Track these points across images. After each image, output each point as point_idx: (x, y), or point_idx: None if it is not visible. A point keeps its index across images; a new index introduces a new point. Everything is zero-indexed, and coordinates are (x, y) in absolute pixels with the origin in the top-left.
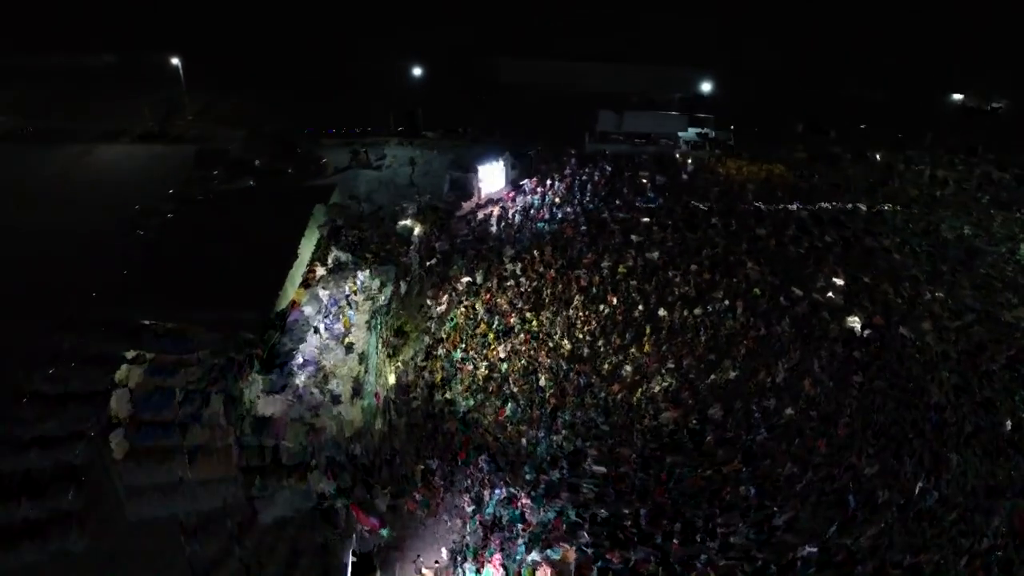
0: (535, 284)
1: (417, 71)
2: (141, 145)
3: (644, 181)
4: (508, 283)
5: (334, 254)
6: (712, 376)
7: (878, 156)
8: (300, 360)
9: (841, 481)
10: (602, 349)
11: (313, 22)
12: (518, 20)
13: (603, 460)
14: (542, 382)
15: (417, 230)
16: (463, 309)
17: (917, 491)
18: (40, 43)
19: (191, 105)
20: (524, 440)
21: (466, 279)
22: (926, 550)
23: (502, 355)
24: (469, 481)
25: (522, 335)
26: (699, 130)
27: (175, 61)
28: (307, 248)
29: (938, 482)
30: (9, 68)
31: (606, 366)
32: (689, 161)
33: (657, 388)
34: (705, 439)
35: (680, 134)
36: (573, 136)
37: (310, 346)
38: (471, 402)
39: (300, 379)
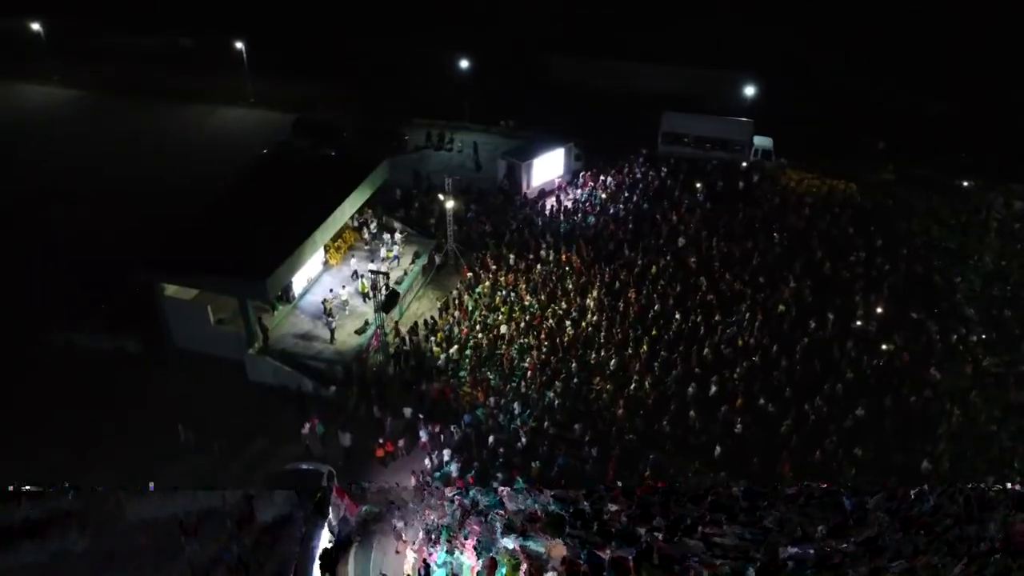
0: (560, 273)
1: (464, 63)
2: (255, 110)
3: (699, 185)
4: (536, 268)
5: (384, 220)
6: (690, 389)
7: (967, 184)
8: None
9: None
10: (602, 340)
11: (371, 14)
12: (571, 17)
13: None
14: (527, 362)
15: (450, 204)
16: (485, 286)
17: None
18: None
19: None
20: (500, 414)
21: (495, 260)
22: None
23: (503, 330)
24: (435, 440)
25: (529, 316)
26: (770, 139)
27: (240, 45)
28: (348, 210)
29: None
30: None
31: (594, 356)
32: (743, 165)
33: (634, 387)
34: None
35: (757, 141)
36: (643, 136)
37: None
38: (463, 364)
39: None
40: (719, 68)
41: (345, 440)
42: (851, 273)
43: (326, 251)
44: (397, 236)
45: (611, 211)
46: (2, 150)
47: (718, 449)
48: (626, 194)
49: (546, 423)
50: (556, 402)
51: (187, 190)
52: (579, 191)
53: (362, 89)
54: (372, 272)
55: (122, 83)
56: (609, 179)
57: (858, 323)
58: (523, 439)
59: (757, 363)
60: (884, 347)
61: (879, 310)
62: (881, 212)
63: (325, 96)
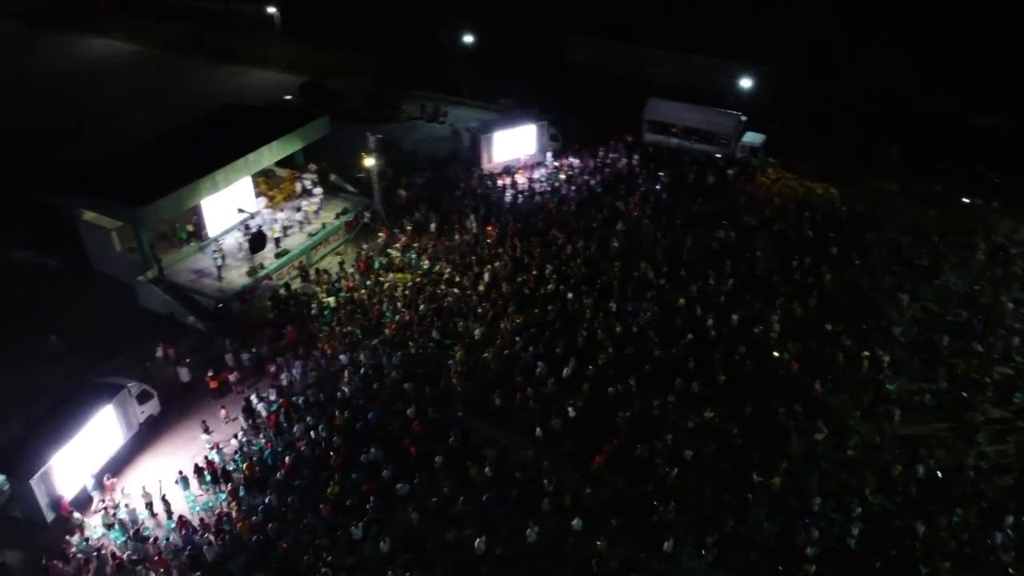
0: (474, 242)
1: (469, 39)
2: (280, 73)
3: (661, 174)
4: (455, 237)
5: (333, 178)
6: (539, 366)
7: (973, 202)
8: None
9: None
10: (477, 311)
11: None
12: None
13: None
14: (395, 316)
15: (370, 163)
16: (396, 247)
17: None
18: None
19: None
20: (341, 357)
21: (418, 225)
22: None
23: (386, 285)
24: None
25: (419, 276)
26: (763, 136)
27: (272, 10)
28: (267, 158)
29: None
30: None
31: (463, 325)
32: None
33: (488, 356)
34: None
35: (747, 137)
36: (637, 123)
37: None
38: (328, 305)
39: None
40: (740, 60)
41: (183, 375)
42: (784, 278)
43: (269, 198)
44: (318, 190)
45: (563, 192)
46: (44, 93)
47: (539, 431)
48: (585, 177)
49: (375, 383)
50: (395, 361)
51: None
52: (543, 170)
53: (380, 59)
54: (239, 211)
55: (174, 41)
56: (576, 161)
57: (758, 328)
58: (344, 389)
59: (630, 353)
60: (775, 354)
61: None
62: (855, 220)
63: (346, 64)
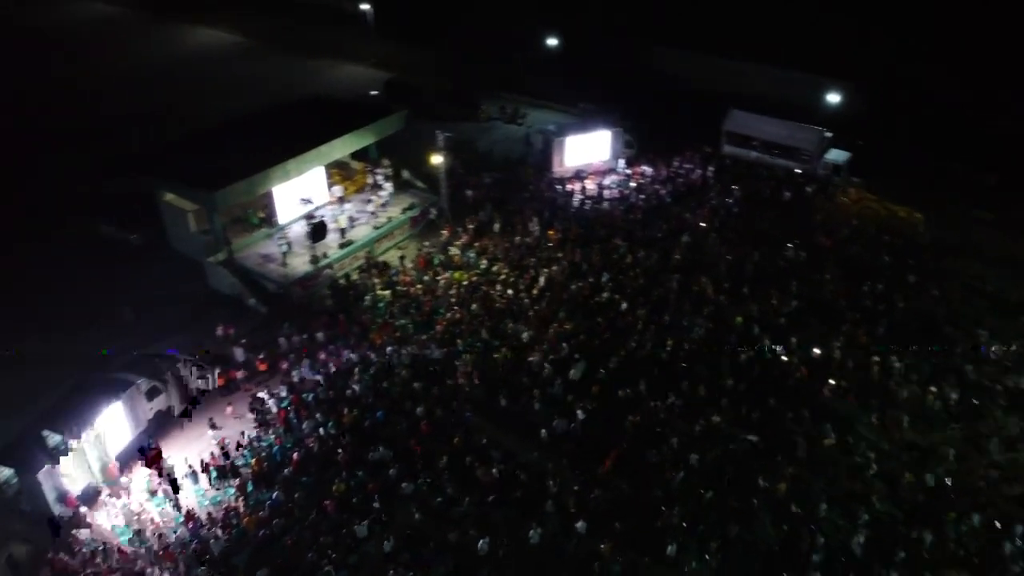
0: (535, 245)
1: (554, 41)
2: (368, 69)
3: (735, 188)
4: (515, 238)
5: (385, 171)
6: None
7: None
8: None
9: None
10: (528, 314)
11: None
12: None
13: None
14: (447, 314)
15: (438, 160)
16: (457, 245)
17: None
18: None
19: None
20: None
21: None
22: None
23: (441, 283)
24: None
25: (475, 276)
26: (847, 154)
27: (366, 7)
28: (338, 150)
29: None
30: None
31: (511, 327)
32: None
33: (534, 359)
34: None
35: (831, 154)
36: (713, 134)
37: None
38: (384, 298)
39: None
40: (828, 75)
41: (239, 355)
42: (852, 303)
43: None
44: (388, 186)
45: (631, 200)
46: (147, 77)
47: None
48: (656, 186)
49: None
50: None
51: None
52: (615, 177)
53: (465, 58)
54: (303, 200)
55: (273, 34)
56: (649, 169)
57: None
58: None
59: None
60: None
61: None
62: (939, 248)
63: (432, 63)
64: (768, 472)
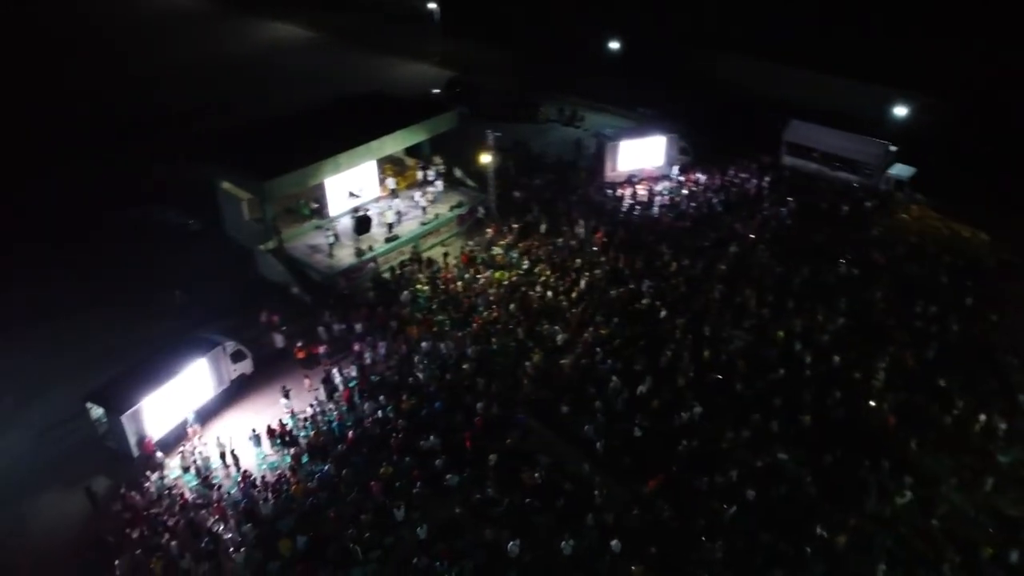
0: (578, 248)
1: (615, 45)
2: (432, 67)
3: (790, 199)
4: (559, 240)
5: (437, 168)
6: (613, 380)
7: None
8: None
9: None
10: (566, 316)
11: None
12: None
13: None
14: (485, 312)
15: (486, 159)
16: (501, 244)
17: None
18: None
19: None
20: (422, 344)
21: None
22: None
23: (481, 281)
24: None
25: (515, 276)
26: (912, 170)
27: (433, 6)
28: (390, 146)
29: None
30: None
31: (546, 326)
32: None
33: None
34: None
35: (895, 169)
36: (773, 143)
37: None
38: (424, 293)
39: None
40: (896, 87)
41: (278, 341)
42: (903, 323)
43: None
44: (438, 183)
45: (682, 207)
46: (220, 68)
47: (600, 444)
48: (709, 194)
49: (448, 374)
50: (471, 354)
51: None
52: (667, 184)
53: (528, 59)
54: (350, 194)
55: (344, 30)
56: (703, 177)
57: (858, 374)
58: (420, 375)
59: (713, 380)
60: (872, 403)
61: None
62: (1000, 271)
63: (496, 62)
64: (829, 520)
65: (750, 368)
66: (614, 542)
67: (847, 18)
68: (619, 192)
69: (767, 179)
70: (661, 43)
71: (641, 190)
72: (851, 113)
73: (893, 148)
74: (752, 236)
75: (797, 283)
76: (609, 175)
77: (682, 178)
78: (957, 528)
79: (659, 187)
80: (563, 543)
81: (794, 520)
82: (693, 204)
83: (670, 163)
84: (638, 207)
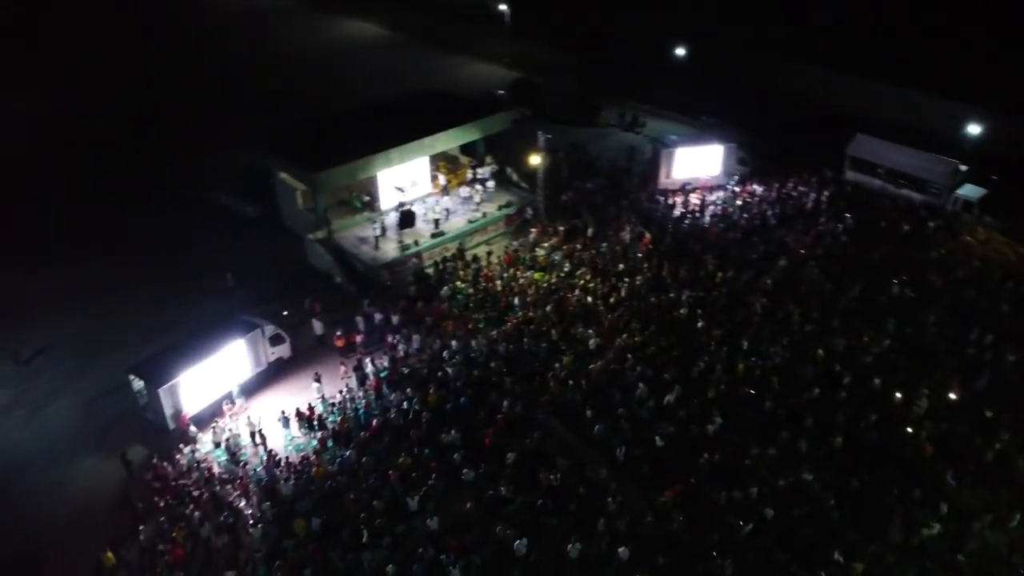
0: (622, 254)
1: (681, 51)
2: (501, 67)
3: (847, 215)
4: (603, 244)
5: (488, 168)
6: (640, 387)
7: None
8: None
9: None
10: (603, 318)
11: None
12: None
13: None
14: (520, 312)
15: (536, 161)
16: (545, 246)
17: None
18: None
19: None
20: (452, 342)
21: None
22: None
23: (521, 281)
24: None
25: (555, 278)
26: (983, 191)
27: (503, 7)
28: (442, 143)
29: None
30: None
31: (580, 329)
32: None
33: (593, 367)
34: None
35: (964, 189)
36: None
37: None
38: (463, 290)
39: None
40: (970, 103)
41: (317, 328)
42: (953, 350)
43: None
44: (489, 184)
45: (733, 217)
46: (298, 63)
47: (622, 450)
48: (764, 207)
49: (476, 371)
50: (502, 352)
51: None
52: (721, 193)
53: (592, 63)
54: (397, 189)
55: (418, 30)
56: (759, 188)
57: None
58: (449, 370)
59: (745, 394)
60: (909, 429)
61: (951, 396)
62: None
63: (563, 65)
64: (848, 546)
65: (784, 385)
66: (622, 549)
67: (923, 30)
68: (671, 200)
69: (826, 193)
70: (728, 51)
71: (694, 199)
72: (922, 129)
73: (963, 167)
74: (803, 251)
75: (845, 301)
76: (663, 182)
77: (737, 189)
78: (987, 566)
79: (712, 196)
80: (570, 546)
81: (812, 542)
82: (746, 215)
83: (727, 173)
84: (690, 216)
